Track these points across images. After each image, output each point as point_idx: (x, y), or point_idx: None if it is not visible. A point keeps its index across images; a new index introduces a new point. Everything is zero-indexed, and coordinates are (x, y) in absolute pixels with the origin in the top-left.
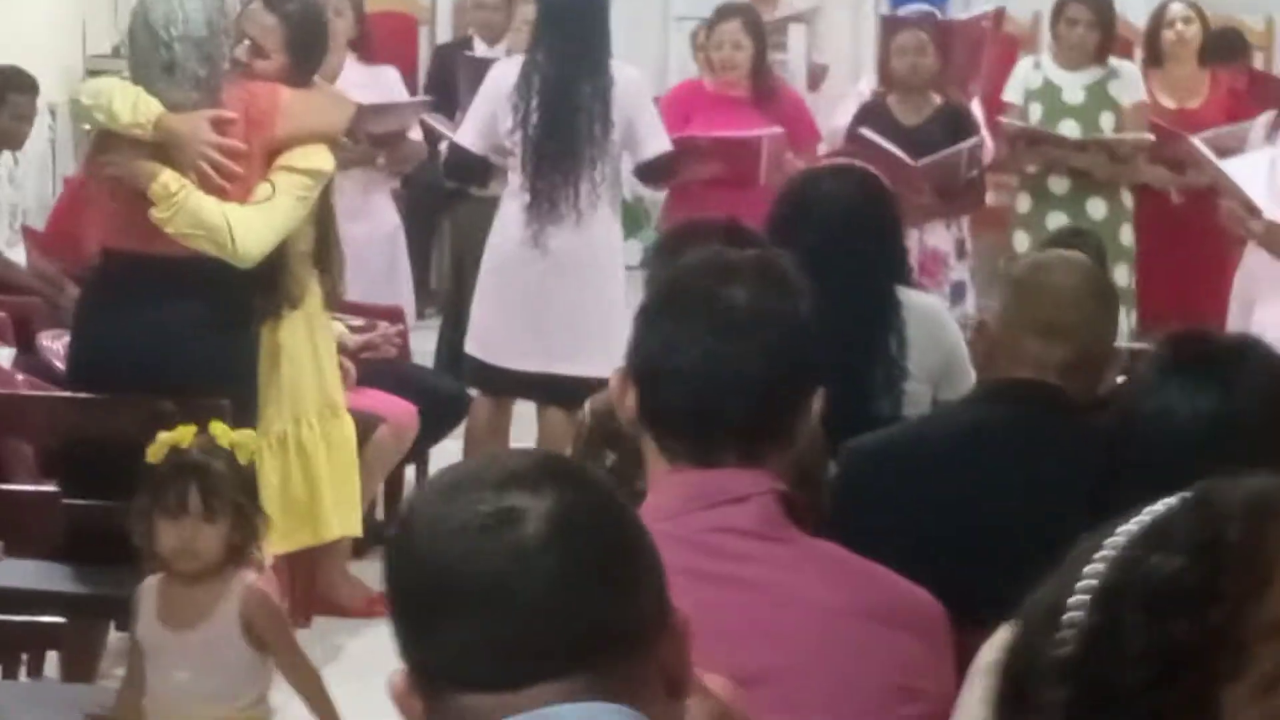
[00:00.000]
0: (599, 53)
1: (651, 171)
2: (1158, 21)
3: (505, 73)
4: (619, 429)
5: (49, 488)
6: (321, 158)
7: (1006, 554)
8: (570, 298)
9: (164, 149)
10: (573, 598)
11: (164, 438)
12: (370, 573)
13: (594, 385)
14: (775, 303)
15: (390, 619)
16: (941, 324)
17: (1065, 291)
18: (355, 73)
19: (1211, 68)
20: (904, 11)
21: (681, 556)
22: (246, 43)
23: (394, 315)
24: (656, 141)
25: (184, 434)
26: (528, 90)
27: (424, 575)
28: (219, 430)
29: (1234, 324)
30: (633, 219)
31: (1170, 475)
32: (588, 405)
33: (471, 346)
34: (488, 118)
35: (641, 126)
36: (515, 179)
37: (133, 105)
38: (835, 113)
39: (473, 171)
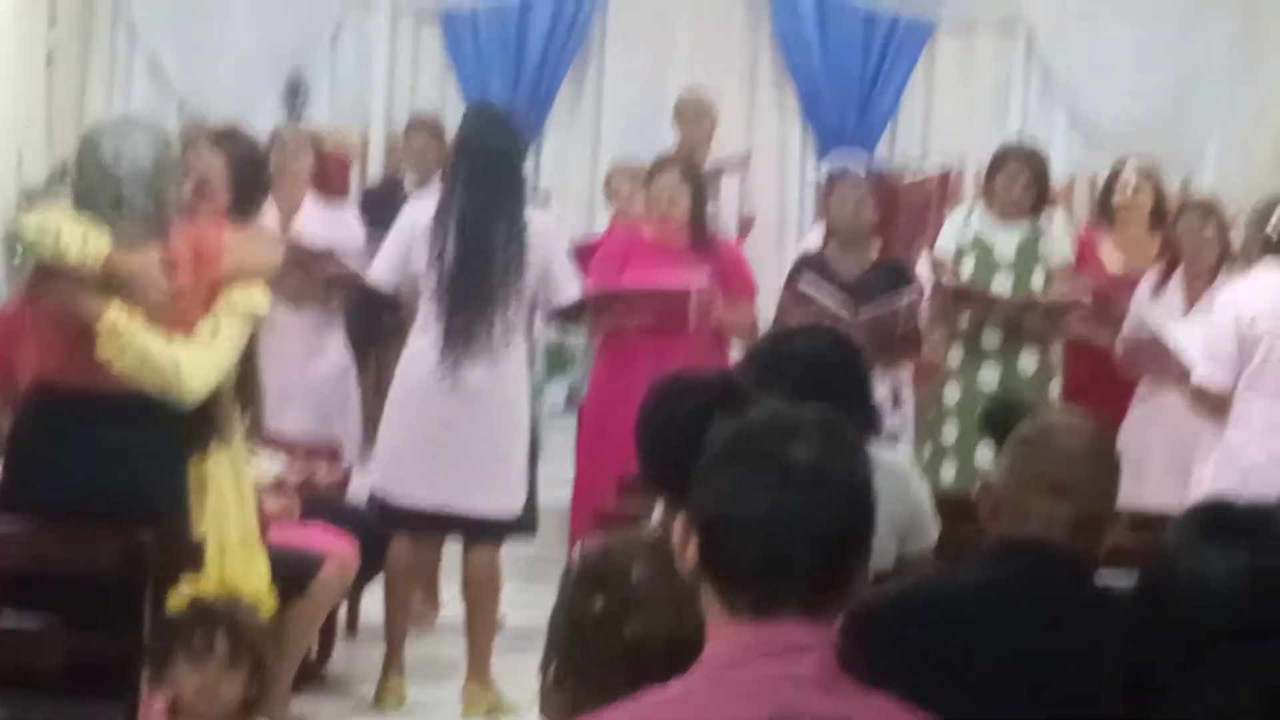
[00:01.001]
0: (516, 195)
1: (565, 316)
2: (1110, 182)
3: (420, 210)
4: (608, 573)
5: (43, 623)
6: (260, 296)
7: (1020, 711)
8: (477, 434)
9: (109, 284)
10: None
11: (186, 587)
12: (308, 708)
13: (506, 522)
14: (838, 459)
15: None
16: (907, 479)
17: (1072, 452)
18: (314, 211)
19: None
20: (835, 161)
21: (741, 705)
22: (191, 181)
23: (331, 451)
24: (570, 288)
25: (204, 583)
26: (444, 227)
27: None
28: (241, 584)
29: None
30: (556, 362)
31: (1210, 634)
32: (577, 548)
33: (375, 481)
34: (401, 253)
35: (556, 271)
36: (427, 314)
37: (81, 240)
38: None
39: (384, 306)
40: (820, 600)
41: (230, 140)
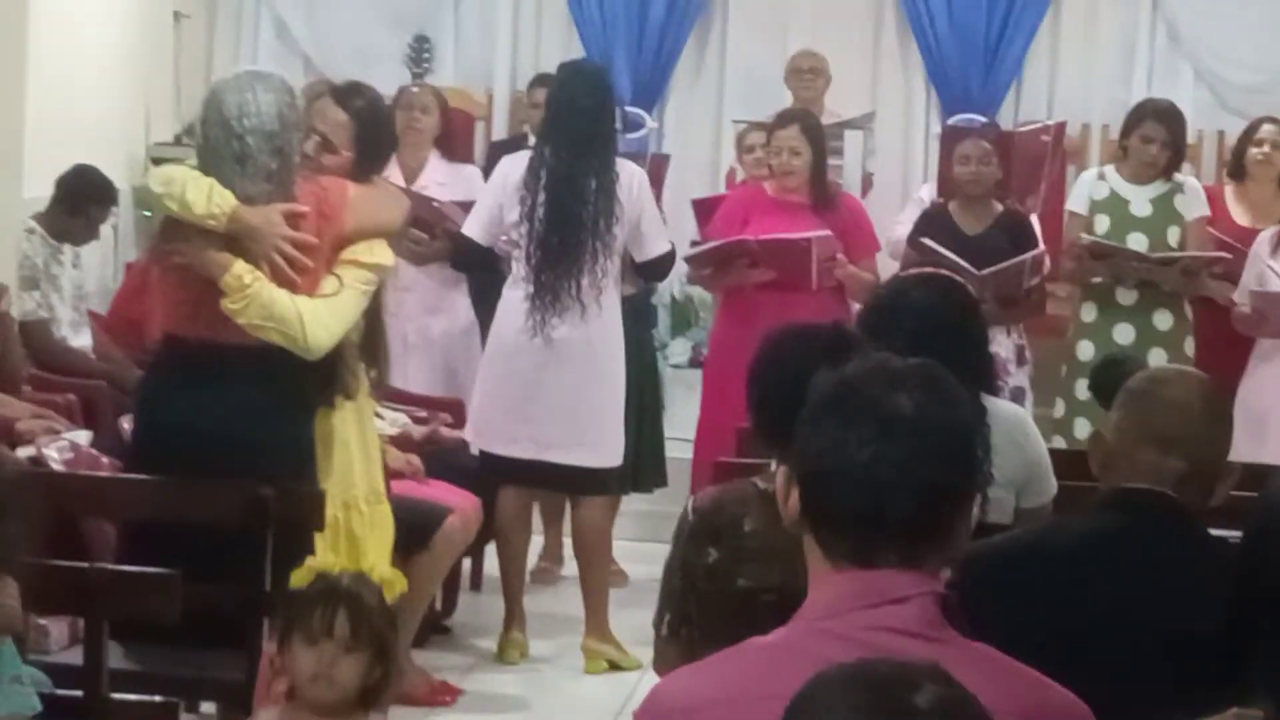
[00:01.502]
0: (604, 149)
1: (651, 270)
2: (1246, 138)
3: (512, 166)
4: (721, 525)
5: (167, 571)
6: (384, 253)
7: (1130, 660)
8: (568, 388)
9: (234, 239)
10: None
11: (311, 562)
12: (430, 662)
13: (594, 476)
14: (939, 409)
15: None
16: (1025, 432)
17: (1181, 405)
18: (439, 169)
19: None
20: (961, 121)
21: (841, 653)
22: (315, 137)
23: (454, 407)
24: (657, 241)
25: (331, 561)
26: (535, 184)
27: None
28: (370, 564)
29: (1243, 434)
30: (681, 318)
31: None
32: (690, 502)
33: (468, 434)
34: (493, 209)
35: (644, 225)
36: (519, 269)
37: (207, 196)
38: (897, 221)
39: (478, 261)
40: (920, 550)
41: (355, 96)
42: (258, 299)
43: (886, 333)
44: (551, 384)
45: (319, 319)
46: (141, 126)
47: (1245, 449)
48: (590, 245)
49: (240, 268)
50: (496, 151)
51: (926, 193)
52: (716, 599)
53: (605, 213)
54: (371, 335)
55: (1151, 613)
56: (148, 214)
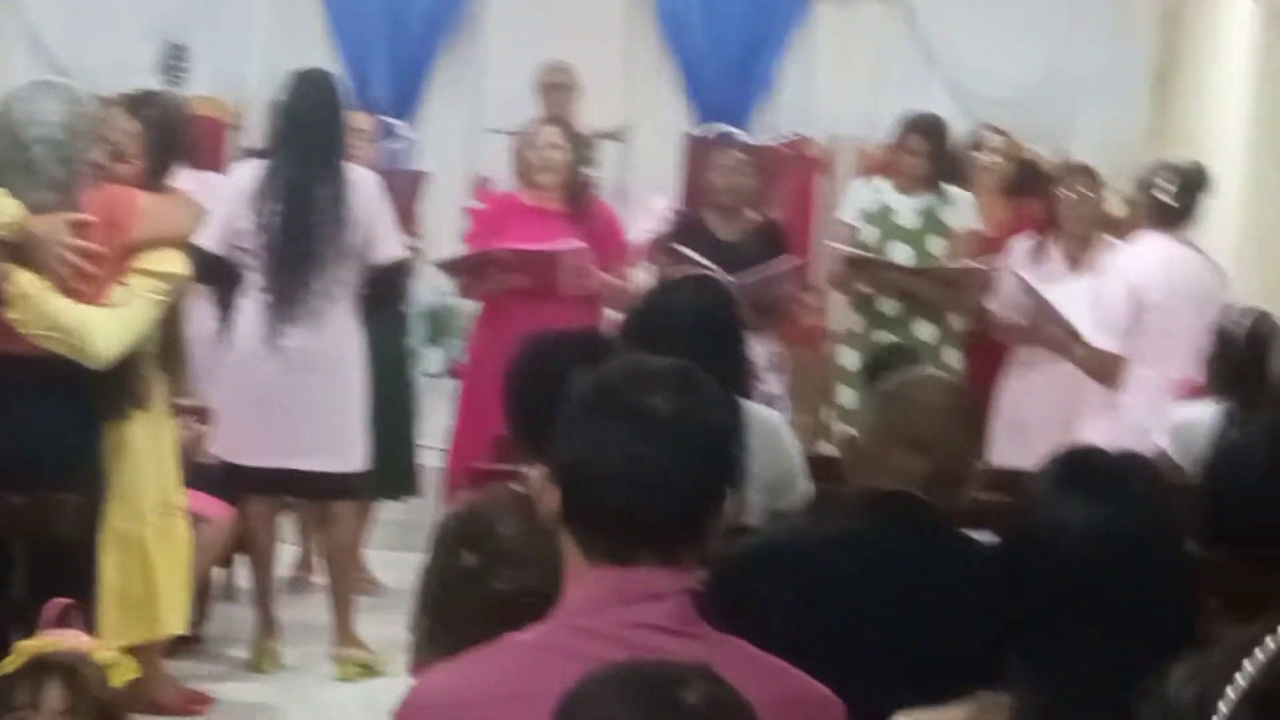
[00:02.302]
0: (335, 156)
1: (385, 275)
2: (970, 148)
3: (245, 175)
4: (477, 530)
5: None
6: (176, 261)
7: (876, 657)
8: (307, 395)
9: (19, 249)
10: None
11: (24, 646)
12: (183, 671)
13: (342, 481)
14: (696, 410)
15: None
16: (779, 435)
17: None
18: (186, 179)
19: (1018, 199)
20: (705, 131)
21: (599, 650)
22: (106, 146)
23: (201, 415)
24: (388, 246)
25: (50, 643)
26: (268, 192)
27: None
28: (96, 646)
29: (1004, 440)
30: (438, 327)
31: (1068, 583)
32: (448, 509)
33: (216, 447)
34: (225, 219)
35: (377, 230)
36: (255, 279)
37: None
38: (631, 227)
39: (216, 272)
40: (677, 548)
41: (146, 105)
42: (41, 309)
43: (652, 334)
44: (292, 392)
45: (105, 329)
46: None
47: (1009, 453)
48: (321, 253)
49: (23, 277)
50: (251, 159)
51: (660, 202)
52: (474, 603)
53: (335, 220)
54: (169, 344)
55: (900, 611)
56: None
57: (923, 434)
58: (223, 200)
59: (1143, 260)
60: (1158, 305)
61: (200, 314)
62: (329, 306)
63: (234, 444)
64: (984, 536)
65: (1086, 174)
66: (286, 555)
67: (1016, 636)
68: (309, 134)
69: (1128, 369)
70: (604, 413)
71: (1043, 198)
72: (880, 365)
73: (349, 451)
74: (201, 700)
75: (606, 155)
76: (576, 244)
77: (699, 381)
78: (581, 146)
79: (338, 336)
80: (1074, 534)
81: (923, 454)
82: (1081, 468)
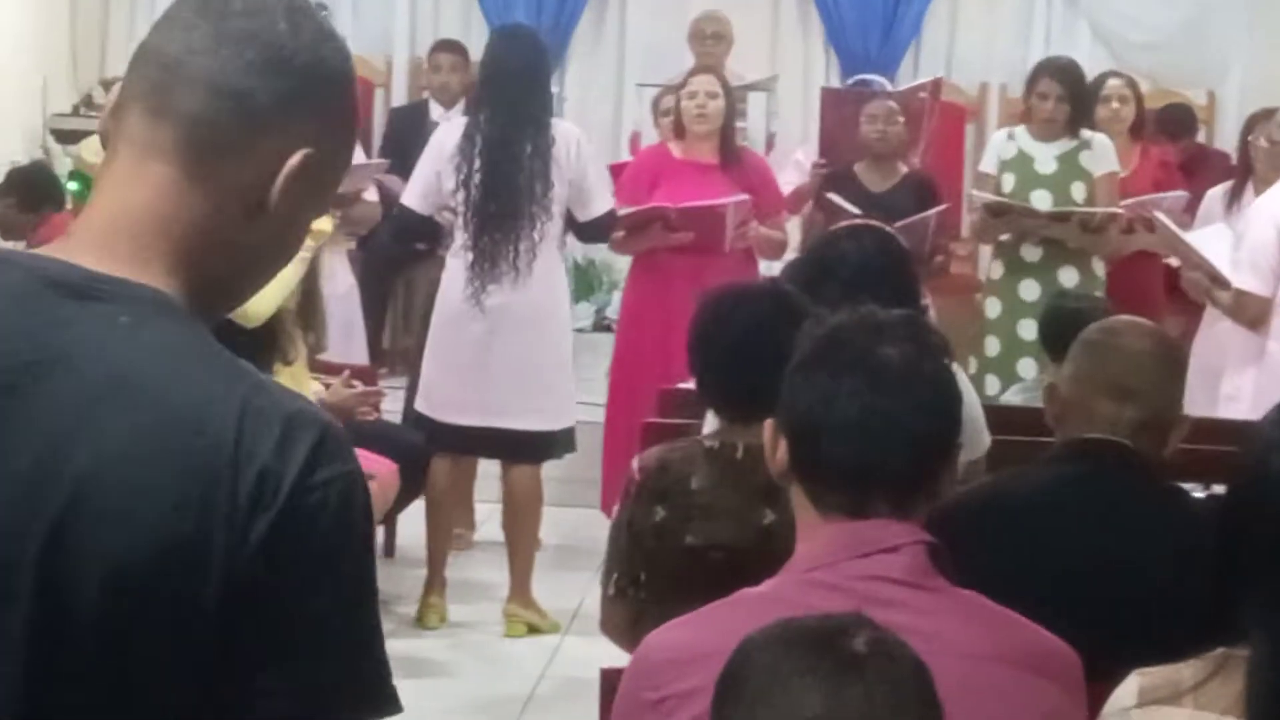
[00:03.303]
0: (539, 112)
1: (591, 230)
2: (1094, 95)
3: (448, 134)
4: (668, 484)
5: None
6: (323, 218)
7: (1095, 607)
8: (511, 354)
9: None
10: None
11: None
12: None
13: (546, 439)
14: (925, 360)
15: None
16: (965, 386)
17: (1136, 355)
18: None
19: (1153, 140)
20: (852, 82)
21: (834, 602)
22: None
23: (366, 375)
24: (600, 201)
25: None
26: (470, 150)
27: None
28: None
29: (1198, 392)
30: (585, 282)
31: None
32: (635, 461)
33: (420, 403)
34: (431, 178)
35: (588, 184)
36: (459, 237)
37: None
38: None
39: (418, 232)
40: (909, 501)
41: None
42: None
43: (820, 285)
44: (498, 350)
45: None
46: (39, 97)
47: (1202, 405)
48: (527, 210)
49: None
50: (396, 118)
51: (804, 154)
52: (664, 557)
53: (541, 177)
54: (308, 301)
55: (1116, 559)
56: (74, 188)
57: (1130, 382)
58: (427, 159)
59: None
60: None
61: (334, 271)
62: (531, 264)
63: (444, 402)
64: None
65: (1275, 119)
66: None
67: (1249, 589)
68: (514, 91)
69: (1273, 313)
70: (835, 365)
71: (1189, 141)
72: (1059, 317)
73: (559, 408)
74: None
75: (755, 107)
76: (741, 197)
77: (924, 331)
78: (733, 95)
79: (545, 293)
80: None
81: (1130, 402)
82: None
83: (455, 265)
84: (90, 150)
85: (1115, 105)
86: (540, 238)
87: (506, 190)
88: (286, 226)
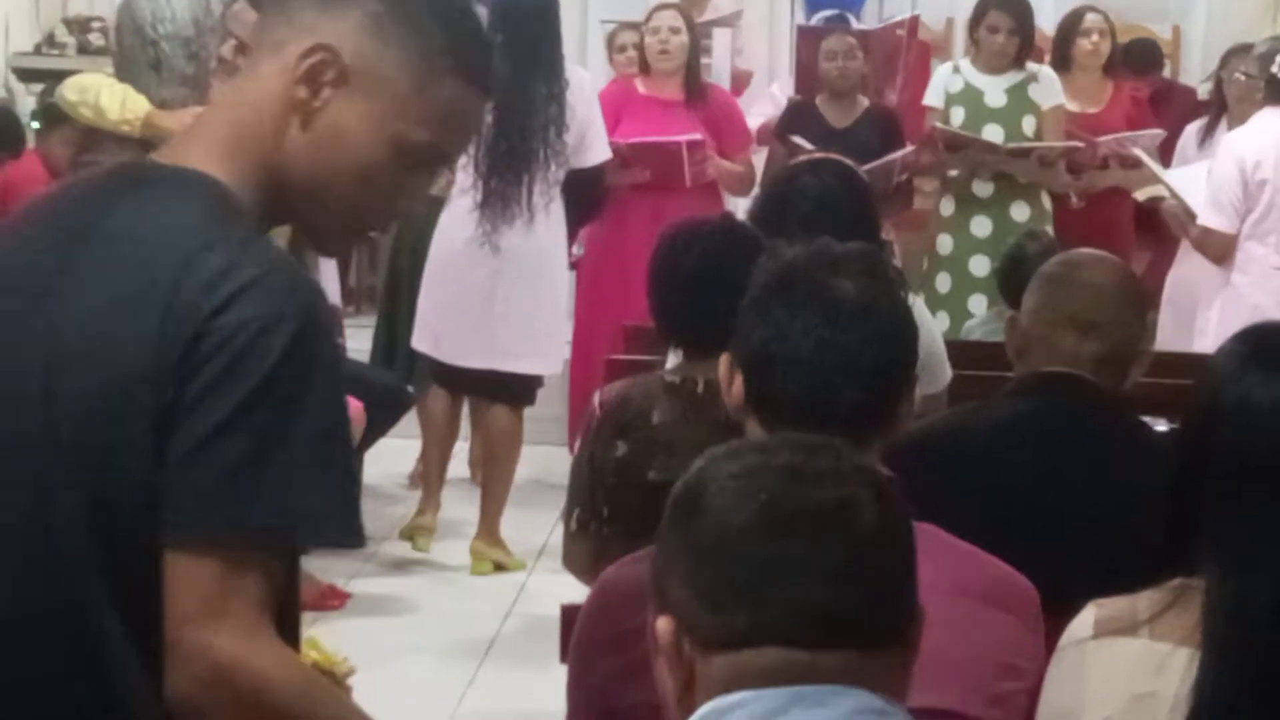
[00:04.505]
0: (554, 54)
1: (582, 179)
2: (1071, 30)
3: None
4: (629, 419)
5: None
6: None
7: (1054, 540)
8: (518, 297)
9: (151, 146)
10: (898, 580)
11: None
12: (316, 566)
13: (538, 382)
14: (881, 293)
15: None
16: (921, 319)
17: (1098, 288)
18: None
19: (1120, 76)
20: (820, 18)
21: None
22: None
23: (333, 314)
24: (600, 149)
25: None
26: None
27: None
28: None
29: (1171, 327)
30: None
31: (1258, 462)
32: (596, 397)
33: (422, 344)
34: None
35: (591, 132)
36: (464, 178)
37: (121, 102)
38: (750, 115)
39: None
40: (866, 434)
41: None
42: None
43: (780, 219)
44: (505, 294)
45: None
46: (1, 37)
47: (1174, 340)
48: (540, 153)
49: None
50: None
51: (778, 88)
52: (626, 492)
53: (555, 120)
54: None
55: (1078, 493)
56: (36, 125)
57: (1091, 315)
58: None
59: (1256, 138)
60: (1269, 182)
61: None
62: (543, 208)
63: (449, 345)
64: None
65: (1253, 55)
66: (413, 451)
67: (1205, 521)
68: (526, 32)
69: (1236, 247)
70: (790, 298)
71: (1155, 76)
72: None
73: (556, 353)
74: (336, 595)
75: (718, 44)
76: (696, 135)
77: (880, 265)
78: (698, 32)
79: (551, 239)
80: (1263, 410)
81: (1092, 335)
82: (1270, 344)
83: (459, 206)
84: (72, 88)
85: (1095, 39)
86: (553, 182)
87: (520, 132)
88: (338, 149)
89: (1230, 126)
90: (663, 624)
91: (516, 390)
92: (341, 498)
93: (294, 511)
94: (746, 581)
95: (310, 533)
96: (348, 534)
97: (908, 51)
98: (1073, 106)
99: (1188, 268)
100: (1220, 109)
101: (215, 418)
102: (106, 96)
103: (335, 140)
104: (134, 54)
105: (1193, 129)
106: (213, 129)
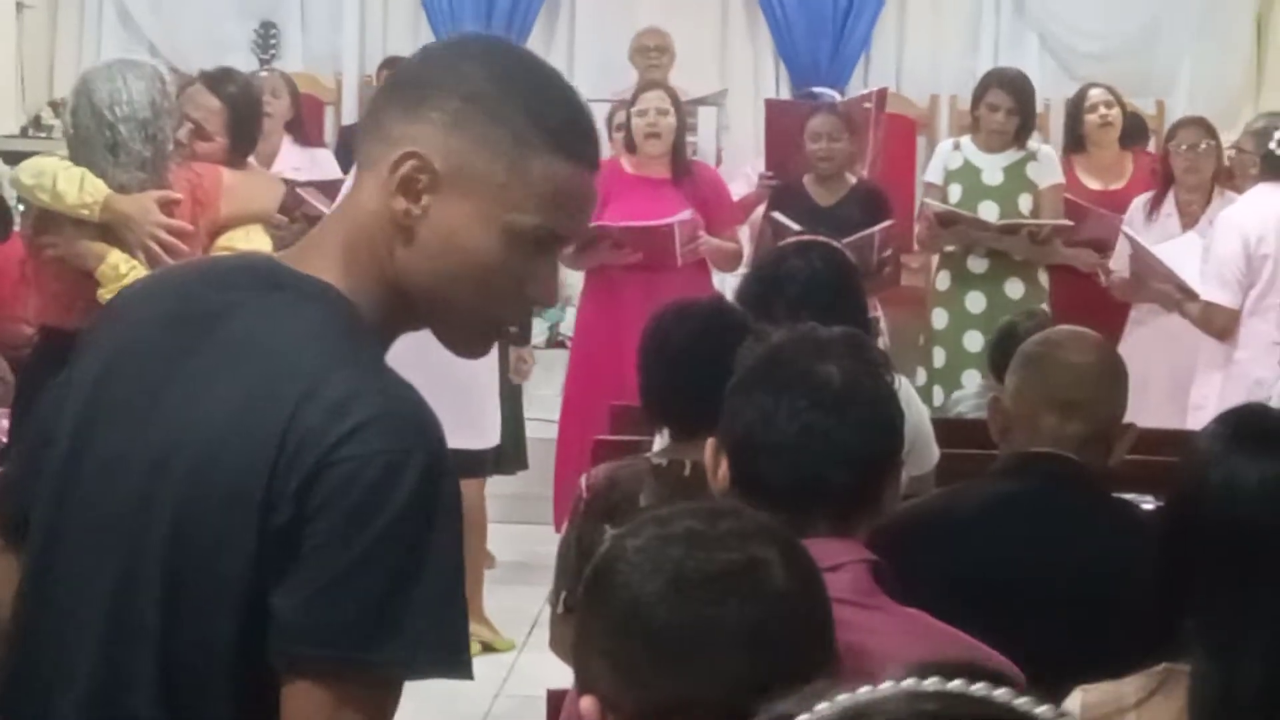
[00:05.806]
0: None
1: None
2: (1078, 107)
3: None
4: (616, 501)
5: None
6: (260, 238)
7: (1039, 621)
8: (450, 372)
9: (109, 229)
10: (815, 634)
11: None
12: None
13: (475, 456)
14: (867, 377)
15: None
16: (908, 400)
17: (1078, 368)
18: (292, 154)
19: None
20: (799, 94)
21: None
22: (188, 124)
23: None
24: None
25: None
26: None
27: (670, 622)
28: None
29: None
30: None
31: (1243, 543)
32: (584, 479)
33: None
34: None
35: None
36: None
37: (79, 186)
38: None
39: None
40: (851, 519)
41: (227, 82)
42: None
43: (768, 302)
44: (433, 368)
45: None
46: None
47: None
48: None
49: (116, 257)
50: (347, 135)
51: (751, 168)
52: None
53: None
54: None
55: (1062, 574)
56: (21, 207)
57: (1073, 395)
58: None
59: (1257, 212)
60: (1270, 257)
61: None
62: None
63: None
64: (1136, 498)
65: (1201, 126)
66: None
67: (1191, 602)
68: None
69: (1239, 323)
70: (775, 383)
71: (1144, 150)
72: (1011, 343)
73: (487, 427)
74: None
75: (703, 122)
76: (685, 215)
77: (866, 349)
78: (684, 112)
79: None
80: (1249, 491)
81: (1075, 416)
82: (1253, 425)
83: None
84: (28, 172)
85: (1103, 111)
86: None
87: None
88: (451, 252)
89: (1176, 197)
90: (586, 703)
91: (463, 466)
92: (460, 634)
93: (421, 647)
94: (663, 653)
95: (431, 668)
96: (460, 668)
97: (876, 126)
98: (1094, 185)
99: (1137, 337)
100: (1167, 181)
101: (351, 554)
102: (64, 180)
103: (446, 244)
104: (91, 136)
105: (1139, 201)
106: (326, 246)
